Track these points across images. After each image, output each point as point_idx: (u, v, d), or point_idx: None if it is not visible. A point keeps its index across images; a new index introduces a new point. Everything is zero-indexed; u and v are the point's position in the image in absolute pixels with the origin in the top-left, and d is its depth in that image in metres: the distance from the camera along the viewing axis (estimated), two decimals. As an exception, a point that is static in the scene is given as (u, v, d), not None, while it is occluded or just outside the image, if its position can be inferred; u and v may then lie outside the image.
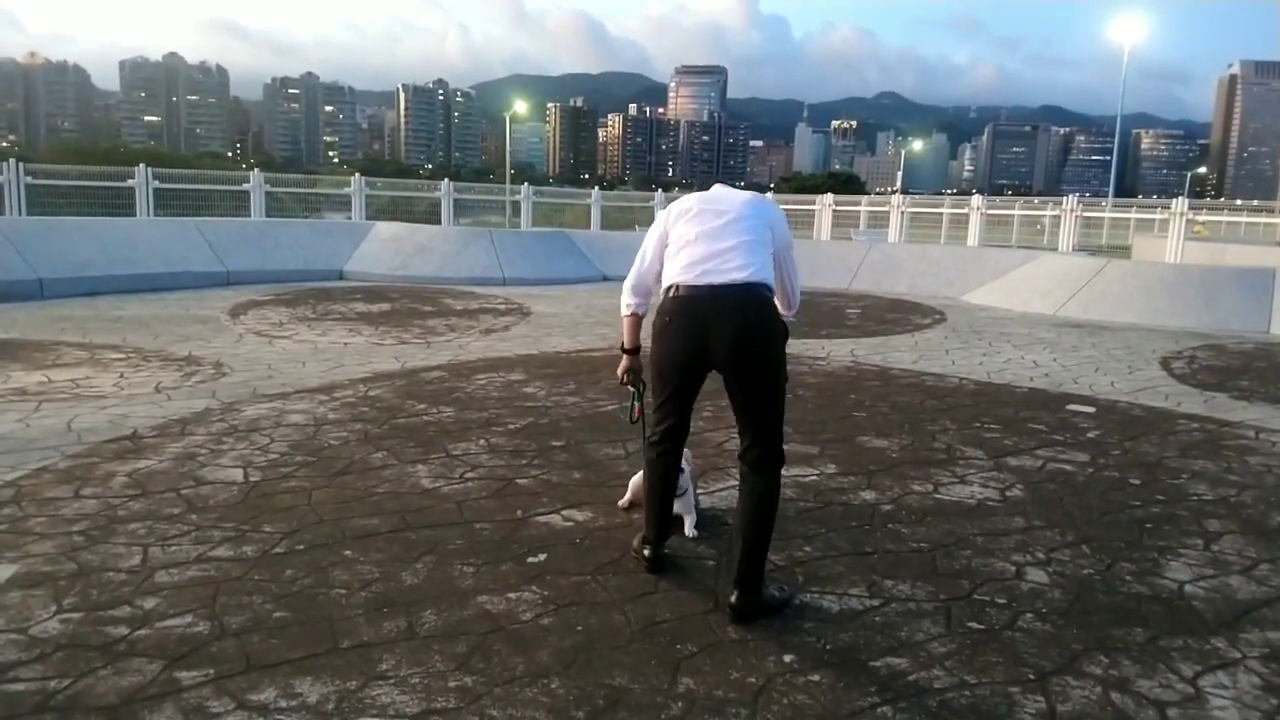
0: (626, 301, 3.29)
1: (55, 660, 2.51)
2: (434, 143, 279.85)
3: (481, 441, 4.85)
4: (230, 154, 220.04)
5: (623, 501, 3.85)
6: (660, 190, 24.02)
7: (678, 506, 3.54)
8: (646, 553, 3.20)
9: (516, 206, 19.94)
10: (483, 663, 2.56)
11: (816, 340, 8.84)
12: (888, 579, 3.23)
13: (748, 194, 3.19)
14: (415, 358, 7.28)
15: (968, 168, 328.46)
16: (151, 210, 14.68)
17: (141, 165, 15.07)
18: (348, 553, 3.31)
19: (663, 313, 3.04)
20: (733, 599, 2.87)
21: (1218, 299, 10.92)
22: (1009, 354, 8.32)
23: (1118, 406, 6.25)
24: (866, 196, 27.59)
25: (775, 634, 2.79)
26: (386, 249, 13.98)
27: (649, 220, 20.72)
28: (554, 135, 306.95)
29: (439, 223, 17.45)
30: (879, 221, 21.09)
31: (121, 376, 6.24)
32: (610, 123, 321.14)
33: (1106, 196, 42.35)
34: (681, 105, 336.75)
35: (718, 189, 3.25)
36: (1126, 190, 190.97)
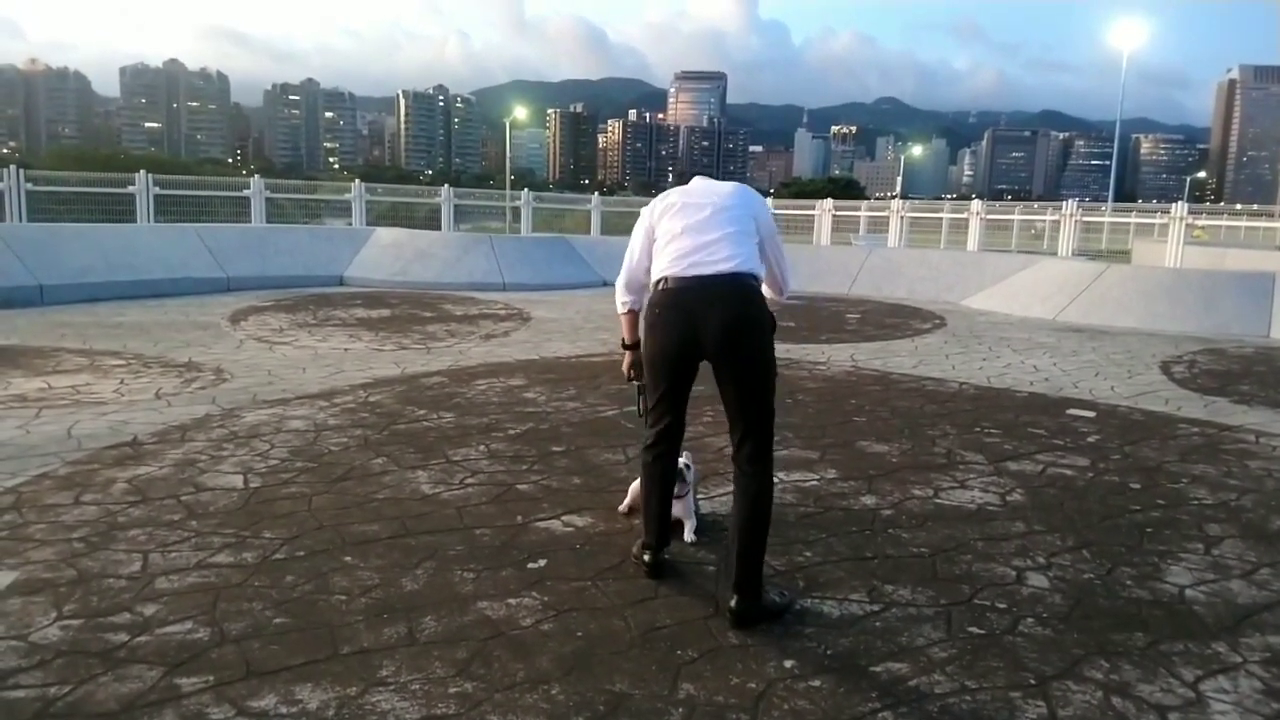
0: (621, 300, 3.36)
1: (55, 667, 2.51)
2: (434, 149, 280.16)
3: (481, 447, 4.85)
4: (231, 160, 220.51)
5: (623, 507, 3.85)
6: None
7: (678, 510, 3.55)
8: (647, 558, 3.20)
9: (516, 212, 19.95)
10: (483, 669, 2.56)
11: (816, 345, 8.84)
12: (888, 584, 3.22)
13: (730, 185, 3.22)
14: (415, 363, 7.28)
15: (967, 173, 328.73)
16: (152, 216, 14.68)
17: (142, 171, 15.07)
18: (348, 559, 3.31)
19: (653, 306, 3.09)
20: (732, 604, 2.87)
21: (1217, 303, 10.92)
22: (1009, 359, 8.32)
23: (1118, 411, 6.25)
24: (866, 201, 27.62)
25: (775, 639, 2.79)
26: (387, 255, 13.99)
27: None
28: (554, 141, 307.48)
29: (439, 228, 17.46)
30: (879, 226, 21.12)
31: (122, 383, 6.24)
32: (610, 128, 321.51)
33: (1106, 201, 42.38)
34: (681, 111, 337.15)
35: (698, 181, 3.26)
36: (1126, 195, 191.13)
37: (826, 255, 16.44)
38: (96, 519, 3.64)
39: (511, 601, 2.99)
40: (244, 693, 2.40)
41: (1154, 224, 22.64)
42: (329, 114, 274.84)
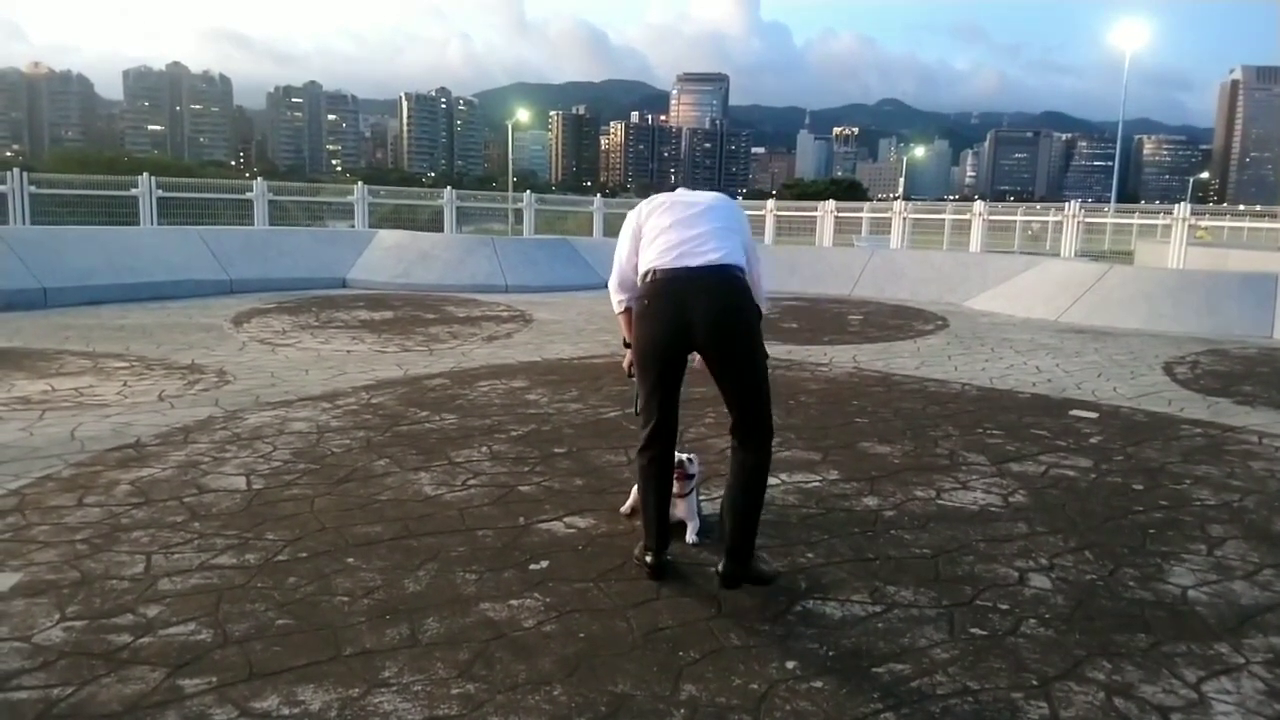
0: (617, 299, 3.41)
1: (59, 668, 2.51)
2: (437, 151, 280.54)
3: (484, 449, 4.85)
4: (234, 163, 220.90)
5: (625, 508, 3.85)
6: (662, 197, 24.00)
7: (681, 512, 3.56)
8: (648, 560, 3.20)
9: (519, 214, 19.96)
10: (485, 670, 2.56)
11: (819, 346, 8.84)
12: (890, 585, 3.22)
13: (713, 193, 3.36)
14: (418, 365, 7.29)
15: (970, 174, 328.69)
16: (155, 219, 14.71)
17: (145, 174, 15.10)
18: (350, 560, 3.31)
19: (641, 297, 3.14)
20: (720, 566, 3.03)
21: (1221, 304, 10.92)
22: (1011, 360, 8.31)
23: (1120, 412, 6.24)
24: (869, 203, 27.62)
25: (778, 640, 2.79)
26: (389, 257, 14.01)
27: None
28: (556, 143, 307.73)
29: (442, 230, 17.47)
30: (881, 228, 21.10)
31: (125, 385, 6.25)
32: (612, 130, 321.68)
33: (1109, 202, 42.34)
34: (684, 112, 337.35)
35: (683, 190, 3.38)
36: (1129, 196, 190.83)
37: (829, 257, 16.44)
38: (100, 521, 3.65)
39: (514, 603, 3.00)
40: (247, 694, 2.41)
41: (1157, 225, 22.65)
42: (331, 116, 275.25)
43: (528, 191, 20.59)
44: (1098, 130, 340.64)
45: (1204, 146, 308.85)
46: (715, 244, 3.08)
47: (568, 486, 4.25)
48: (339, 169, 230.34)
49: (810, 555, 3.49)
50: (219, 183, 17.81)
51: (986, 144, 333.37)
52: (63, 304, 10.32)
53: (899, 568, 3.39)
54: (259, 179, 16.74)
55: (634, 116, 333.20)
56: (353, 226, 16.56)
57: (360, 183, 17.86)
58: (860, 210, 22.64)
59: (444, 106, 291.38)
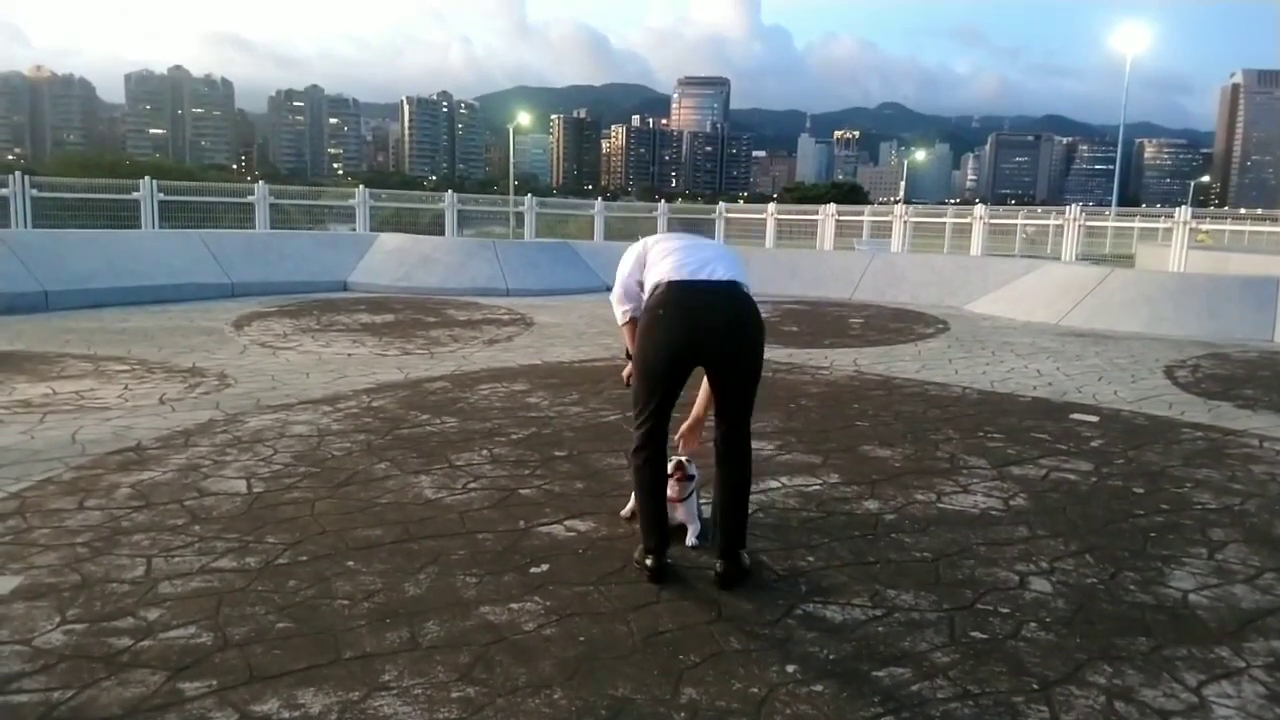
0: (623, 309, 3.45)
1: (59, 671, 2.51)
2: (438, 154, 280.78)
3: (484, 452, 4.86)
4: (235, 166, 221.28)
5: (625, 511, 3.85)
6: (664, 201, 24.06)
7: (681, 515, 3.56)
8: (649, 562, 3.21)
9: (520, 217, 19.98)
10: (485, 673, 2.56)
11: (820, 350, 8.84)
12: (890, 589, 3.22)
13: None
14: (419, 368, 7.29)
15: (971, 177, 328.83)
16: (156, 222, 14.72)
17: (146, 178, 15.11)
18: (350, 563, 3.31)
19: (654, 306, 3.17)
20: (718, 567, 3.18)
21: (1221, 308, 10.91)
22: (1012, 363, 8.31)
23: (1121, 415, 6.24)
24: (869, 206, 27.63)
25: (778, 644, 2.79)
26: (390, 260, 14.02)
27: (651, 230, 20.74)
28: (557, 146, 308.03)
29: (443, 234, 17.48)
30: (882, 231, 21.12)
31: (126, 388, 6.25)
32: (613, 134, 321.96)
33: (1110, 206, 42.35)
34: (684, 116, 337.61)
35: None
36: (1130, 199, 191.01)
37: (830, 260, 16.45)
38: (100, 524, 3.65)
39: (514, 606, 3.00)
40: (247, 697, 2.41)
41: (1158, 228, 22.63)
42: (333, 120, 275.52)
43: (529, 195, 20.61)
44: (1099, 134, 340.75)
45: (1205, 150, 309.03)
46: (725, 266, 3.22)
47: (568, 490, 4.25)
48: (340, 172, 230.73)
49: (810, 558, 3.49)
50: (220, 186, 17.82)
51: (987, 147, 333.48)
52: (64, 307, 10.33)
53: (899, 571, 3.39)
54: (260, 182, 16.75)
55: (635, 120, 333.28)
56: (354, 230, 16.57)
57: (361, 186, 17.87)
58: (861, 214, 22.65)
59: (445, 110, 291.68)
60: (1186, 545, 3.76)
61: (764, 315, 3.29)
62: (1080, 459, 5.05)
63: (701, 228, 21.54)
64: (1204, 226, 21.53)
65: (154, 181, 14.99)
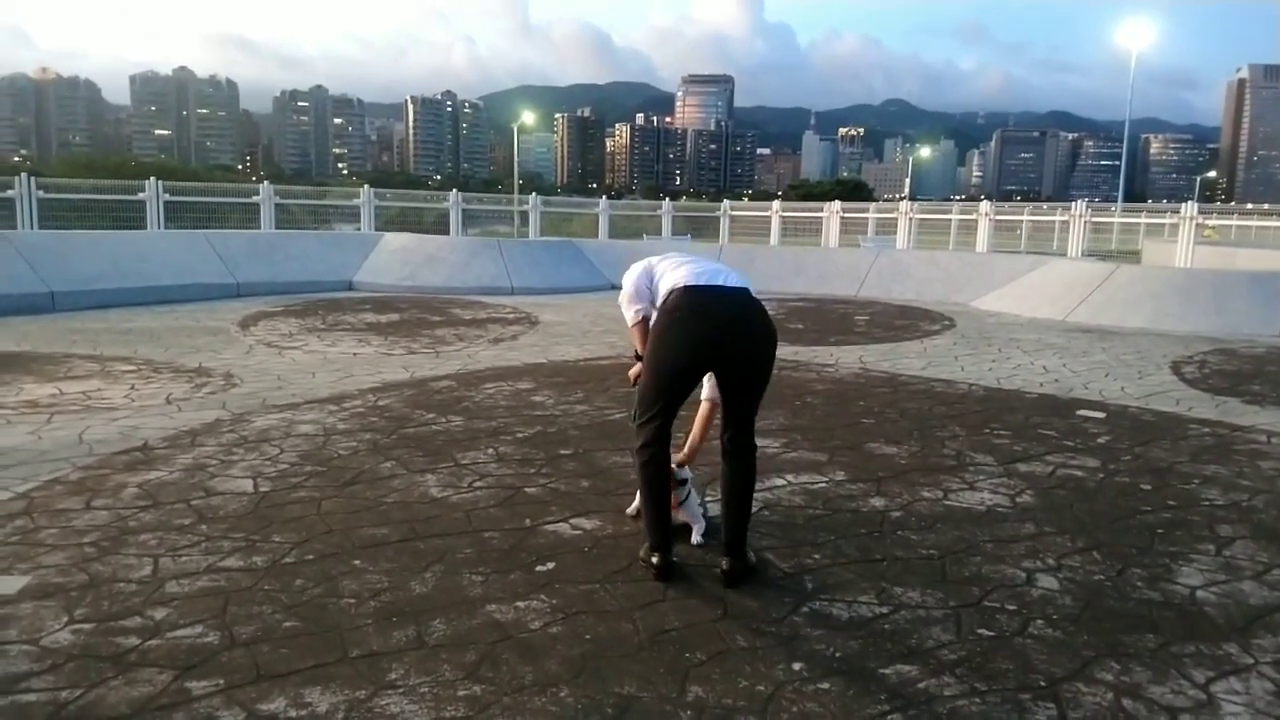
0: (636, 308, 3.43)
1: (67, 671, 2.52)
2: (442, 154, 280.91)
3: (490, 450, 4.86)
4: (240, 166, 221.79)
5: (630, 509, 3.85)
6: (668, 199, 24.05)
7: (683, 517, 3.56)
8: (655, 560, 3.21)
9: (524, 216, 20.00)
10: (491, 672, 2.57)
11: (825, 347, 8.83)
12: (897, 586, 3.22)
13: None
14: (424, 368, 7.30)
15: (976, 174, 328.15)
16: (162, 223, 14.76)
17: (152, 179, 15.16)
18: (357, 562, 3.32)
19: (670, 309, 3.20)
20: (724, 565, 3.20)
21: (1228, 303, 10.88)
22: (1018, 360, 8.29)
23: (1128, 412, 6.22)
24: (874, 203, 27.59)
25: (784, 642, 2.79)
26: (395, 260, 14.04)
27: (656, 229, 20.72)
28: (562, 145, 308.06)
29: (447, 233, 17.50)
30: (887, 228, 21.09)
31: (132, 388, 6.27)
32: (618, 132, 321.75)
33: (1116, 201, 42.25)
34: (689, 114, 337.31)
35: None
36: (1136, 195, 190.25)
37: (835, 257, 16.43)
38: (107, 524, 3.66)
39: (520, 604, 3.00)
40: (254, 696, 2.41)
41: (1164, 224, 22.57)
42: (338, 120, 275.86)
43: (533, 194, 20.62)
44: (1104, 129, 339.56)
45: (1211, 145, 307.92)
46: (736, 277, 3.28)
47: (574, 488, 4.25)
48: (345, 172, 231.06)
49: (817, 556, 3.49)
50: (226, 186, 17.86)
51: (992, 144, 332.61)
52: (70, 308, 10.36)
53: (906, 568, 3.38)
54: (265, 183, 16.79)
55: (639, 118, 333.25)
56: (359, 229, 16.59)
57: (366, 186, 17.90)
58: (866, 211, 22.64)
59: (449, 109, 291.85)
60: (1194, 542, 3.75)
61: (769, 313, 3.29)
62: (1087, 455, 5.03)
63: (706, 226, 21.54)
64: (1210, 222, 21.45)
65: (159, 182, 15.03)
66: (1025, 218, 23.53)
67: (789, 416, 5.79)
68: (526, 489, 4.22)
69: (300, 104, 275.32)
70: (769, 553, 3.50)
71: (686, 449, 3.75)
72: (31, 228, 13.81)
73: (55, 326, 9.11)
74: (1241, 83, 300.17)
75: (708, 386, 3.60)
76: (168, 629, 2.77)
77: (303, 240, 14.34)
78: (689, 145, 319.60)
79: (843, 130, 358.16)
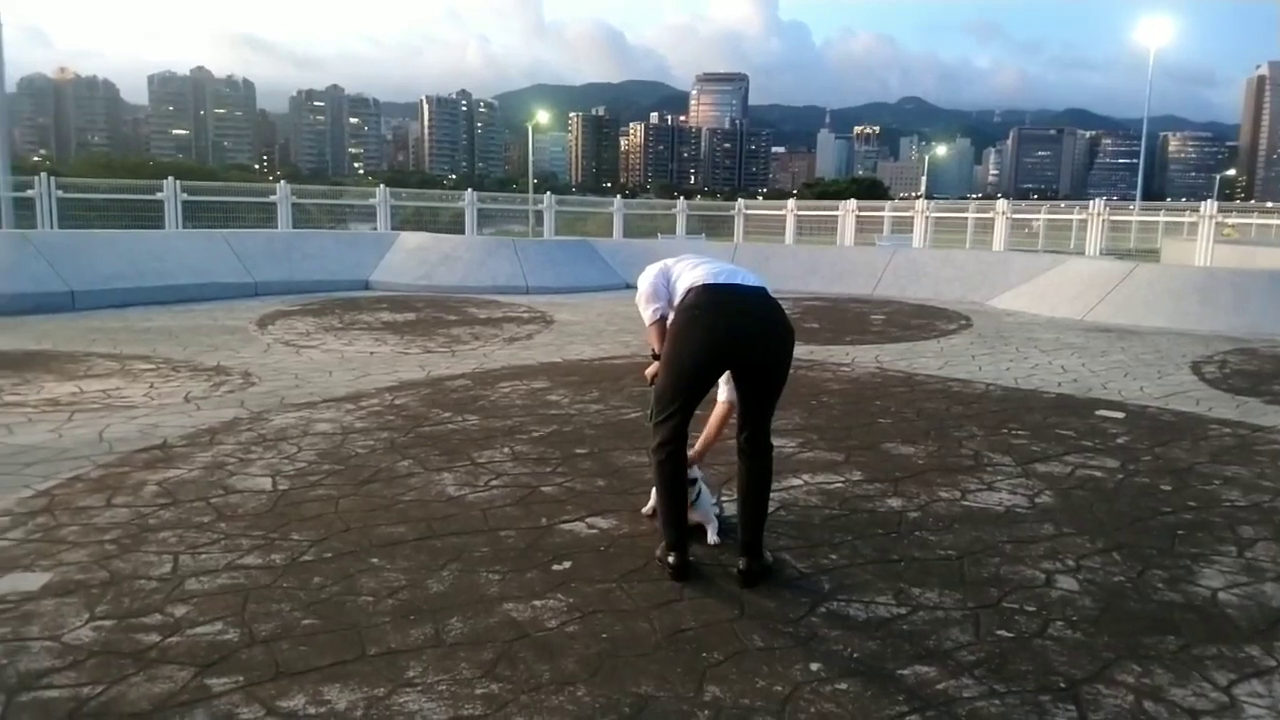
0: (652, 307, 3.41)
1: (88, 667, 2.54)
2: (457, 153, 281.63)
3: (506, 449, 4.87)
4: (257, 166, 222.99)
5: (646, 509, 3.84)
6: (683, 198, 24.04)
7: (696, 517, 3.56)
8: (671, 559, 3.21)
9: (539, 215, 20.04)
10: (509, 670, 2.57)
11: (840, 346, 8.80)
12: (915, 587, 3.20)
13: None
14: (440, 366, 7.32)
15: (992, 172, 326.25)
16: (180, 222, 14.87)
17: (170, 178, 15.27)
18: (375, 560, 3.33)
19: (689, 307, 3.20)
20: (741, 565, 3.20)
21: (1249, 302, 10.77)
22: (1036, 359, 8.25)
23: (1148, 412, 6.18)
24: (890, 202, 27.49)
25: (802, 642, 2.78)
26: (411, 259, 14.08)
27: (670, 228, 20.71)
28: (576, 144, 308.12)
29: (463, 232, 17.56)
30: (903, 227, 21.01)
31: (151, 387, 6.31)
32: (632, 131, 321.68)
33: (1134, 200, 41.93)
34: (703, 113, 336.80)
35: None
36: (1154, 193, 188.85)
37: (850, 256, 16.38)
38: (128, 521, 3.69)
39: (537, 603, 3.00)
40: (273, 693, 2.42)
41: (1183, 223, 22.38)
42: (353, 120, 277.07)
43: (548, 193, 20.66)
44: (1122, 127, 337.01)
45: (1230, 143, 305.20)
46: (754, 278, 3.29)
47: (589, 487, 4.26)
48: (361, 172, 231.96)
49: (834, 556, 3.48)
50: (243, 186, 17.99)
51: (1009, 142, 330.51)
52: (90, 307, 10.44)
53: (924, 569, 3.37)
54: (282, 182, 16.89)
55: (653, 117, 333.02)
56: (375, 229, 16.66)
57: (382, 185, 17.97)
58: (882, 209, 22.55)
59: (464, 109, 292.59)
60: (1215, 543, 3.72)
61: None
62: (1106, 456, 5.00)
63: (721, 225, 21.52)
64: (1230, 220, 21.26)
65: (177, 182, 15.14)
66: (1042, 216, 23.40)
67: (805, 416, 5.77)
68: (543, 488, 4.23)
69: (316, 104, 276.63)
70: (786, 553, 3.49)
71: (699, 445, 3.74)
72: (51, 227, 13.95)
73: (75, 325, 9.19)
74: (1261, 79, 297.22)
75: (725, 388, 3.59)
76: (188, 626, 2.79)
77: (319, 240, 14.40)
78: (703, 144, 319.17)
79: (858, 128, 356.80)
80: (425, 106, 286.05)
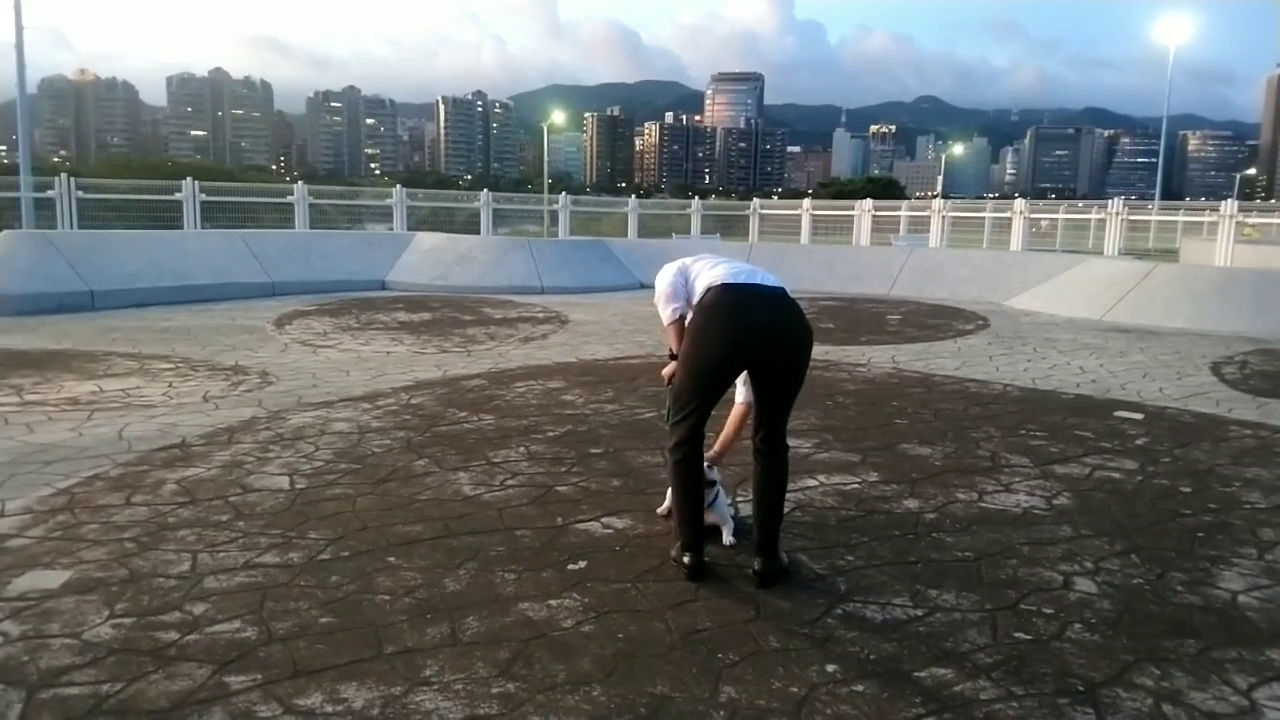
0: (671, 307, 3.38)
1: (108, 664, 2.56)
2: (473, 153, 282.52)
3: (521, 449, 4.88)
4: (274, 167, 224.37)
5: (662, 509, 3.84)
6: (697, 198, 24.01)
7: (712, 519, 3.55)
8: (687, 560, 3.20)
9: (554, 216, 20.08)
10: (525, 669, 2.57)
11: (857, 347, 8.78)
12: (932, 588, 3.19)
13: None
14: (456, 366, 7.34)
15: (1009, 171, 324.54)
16: (199, 223, 14.98)
17: (189, 179, 15.38)
18: (391, 559, 3.34)
19: (709, 306, 3.19)
20: (756, 565, 3.19)
21: (1270, 303, 10.66)
22: (1054, 360, 8.19)
23: (1167, 413, 6.13)
24: (906, 201, 27.39)
25: (818, 643, 2.77)
26: (427, 259, 14.13)
27: (685, 228, 20.70)
28: (591, 144, 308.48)
29: (478, 233, 17.61)
30: (919, 227, 20.92)
31: (170, 386, 6.36)
32: (647, 131, 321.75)
33: (1153, 199, 41.61)
34: (718, 112, 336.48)
35: None
36: (1173, 193, 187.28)
37: (866, 256, 16.32)
38: (147, 519, 3.71)
39: (552, 603, 3.01)
40: (291, 691, 2.44)
41: (1202, 222, 22.20)
42: (370, 120, 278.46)
43: (563, 193, 20.69)
44: (1141, 126, 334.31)
45: (1251, 142, 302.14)
46: (773, 278, 3.28)
47: (605, 487, 4.26)
48: (377, 172, 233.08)
49: (850, 558, 3.47)
50: (260, 187, 18.10)
51: (1026, 141, 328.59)
52: (109, 306, 10.53)
53: (941, 571, 3.35)
54: (299, 183, 16.98)
55: (668, 117, 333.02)
56: (391, 229, 16.74)
57: (398, 186, 18.04)
58: (898, 209, 22.47)
59: (480, 109, 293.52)
60: (1235, 545, 3.68)
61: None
62: (1125, 457, 4.96)
63: (735, 225, 21.49)
64: (1251, 220, 21.07)
65: (196, 183, 15.24)
66: (1060, 216, 23.25)
67: (821, 416, 5.76)
68: (558, 487, 4.23)
69: (333, 104, 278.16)
70: (802, 554, 3.48)
71: (718, 446, 3.74)
72: (71, 227, 14.08)
73: (95, 325, 9.27)
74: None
75: (743, 389, 3.58)
76: (206, 624, 2.81)
77: (336, 240, 14.48)
78: (718, 144, 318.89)
79: (874, 128, 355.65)
80: (441, 107, 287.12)
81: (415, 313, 10.76)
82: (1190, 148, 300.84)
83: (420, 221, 17.85)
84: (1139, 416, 5.97)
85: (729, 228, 21.53)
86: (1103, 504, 4.17)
